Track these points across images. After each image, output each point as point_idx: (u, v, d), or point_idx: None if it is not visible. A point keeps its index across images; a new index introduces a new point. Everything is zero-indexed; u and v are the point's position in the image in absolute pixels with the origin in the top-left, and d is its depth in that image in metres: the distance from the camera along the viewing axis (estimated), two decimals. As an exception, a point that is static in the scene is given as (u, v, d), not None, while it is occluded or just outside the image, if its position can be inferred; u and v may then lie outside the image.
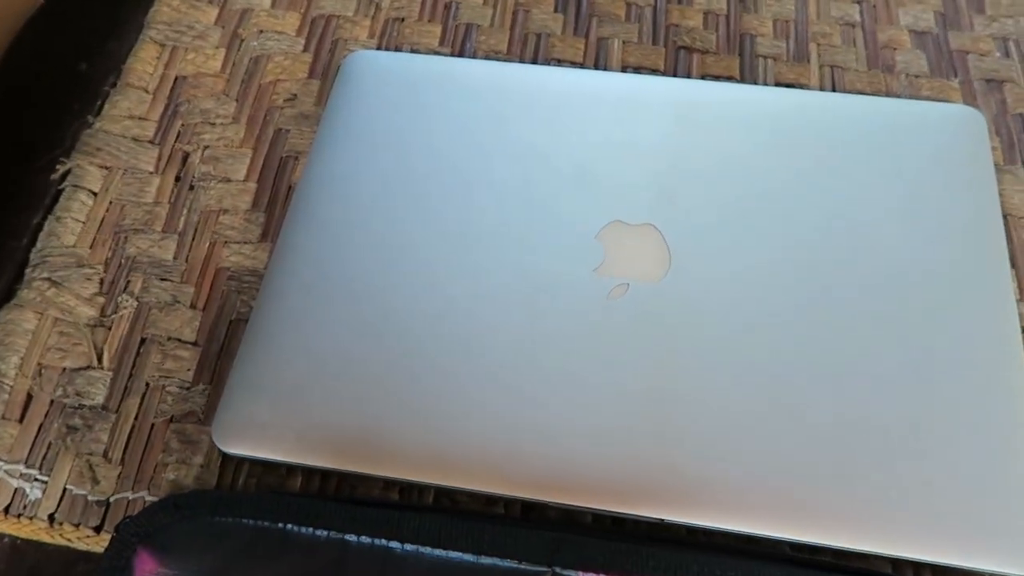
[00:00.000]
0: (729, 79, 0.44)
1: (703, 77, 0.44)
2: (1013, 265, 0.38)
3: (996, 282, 0.35)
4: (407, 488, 0.33)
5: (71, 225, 0.39)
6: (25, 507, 0.33)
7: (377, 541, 0.29)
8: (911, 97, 0.43)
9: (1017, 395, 0.32)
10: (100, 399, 0.35)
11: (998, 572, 0.30)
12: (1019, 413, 0.32)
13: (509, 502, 0.33)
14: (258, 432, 0.32)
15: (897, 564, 0.31)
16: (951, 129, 0.39)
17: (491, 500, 0.33)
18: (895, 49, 0.45)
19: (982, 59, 0.44)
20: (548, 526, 0.31)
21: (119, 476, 0.34)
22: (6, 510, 0.33)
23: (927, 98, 0.43)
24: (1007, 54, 0.44)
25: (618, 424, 0.32)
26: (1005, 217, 0.39)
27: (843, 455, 0.31)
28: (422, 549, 0.29)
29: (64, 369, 0.36)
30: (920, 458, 0.31)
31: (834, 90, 0.43)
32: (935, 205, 0.37)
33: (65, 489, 0.33)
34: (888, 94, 0.43)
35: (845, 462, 0.31)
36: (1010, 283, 0.35)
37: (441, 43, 0.45)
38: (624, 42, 0.45)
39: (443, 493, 0.33)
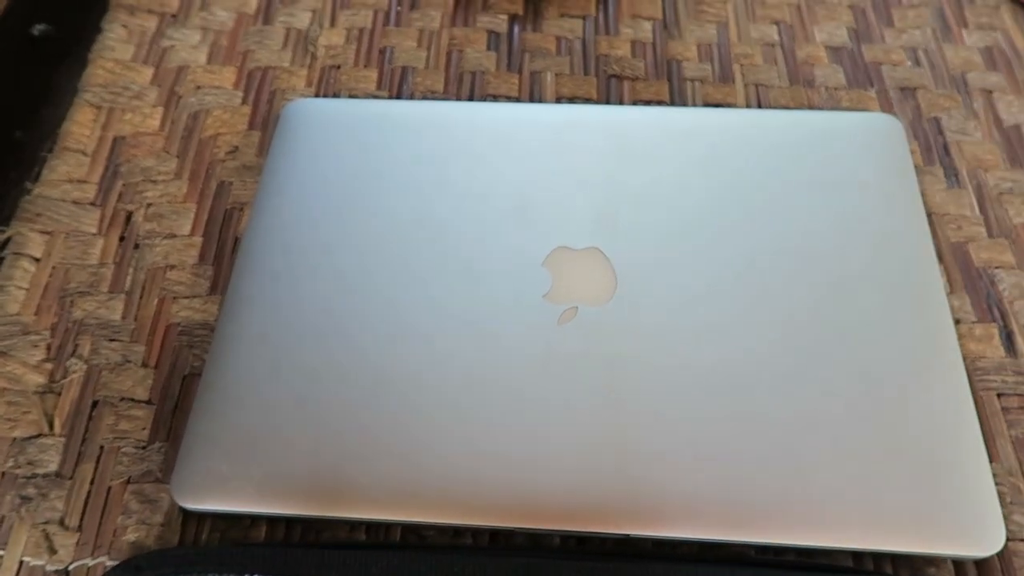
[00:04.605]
0: (660, 103, 0.45)
1: (635, 103, 0.46)
2: (940, 260, 0.39)
3: (926, 277, 0.36)
4: (373, 528, 0.33)
5: (14, 293, 0.39)
6: (-20, 584, 0.32)
7: (346, 583, 0.29)
8: (832, 109, 0.45)
9: (955, 382, 0.34)
10: (54, 466, 0.34)
11: (951, 555, 0.31)
12: (959, 400, 0.33)
13: (476, 532, 0.33)
14: (217, 485, 0.32)
15: (857, 556, 0.32)
16: (871, 136, 0.41)
17: (458, 532, 0.33)
18: (813, 65, 0.47)
19: (895, 68, 0.47)
20: (516, 552, 0.31)
21: (77, 543, 0.33)
22: (-40, 589, 0.32)
23: (847, 108, 0.45)
24: (917, 62, 0.47)
25: (577, 446, 0.32)
26: (929, 215, 0.41)
27: (796, 457, 0.32)
28: (392, 587, 0.29)
29: (15, 439, 0.35)
30: (870, 453, 0.32)
31: (760, 107, 0.45)
32: (863, 209, 0.38)
33: (21, 562, 0.33)
34: (810, 107, 0.45)
35: (799, 463, 0.32)
36: (939, 277, 0.36)
37: (378, 87, 0.46)
38: (556, 75, 0.47)
39: (409, 529, 0.33)
